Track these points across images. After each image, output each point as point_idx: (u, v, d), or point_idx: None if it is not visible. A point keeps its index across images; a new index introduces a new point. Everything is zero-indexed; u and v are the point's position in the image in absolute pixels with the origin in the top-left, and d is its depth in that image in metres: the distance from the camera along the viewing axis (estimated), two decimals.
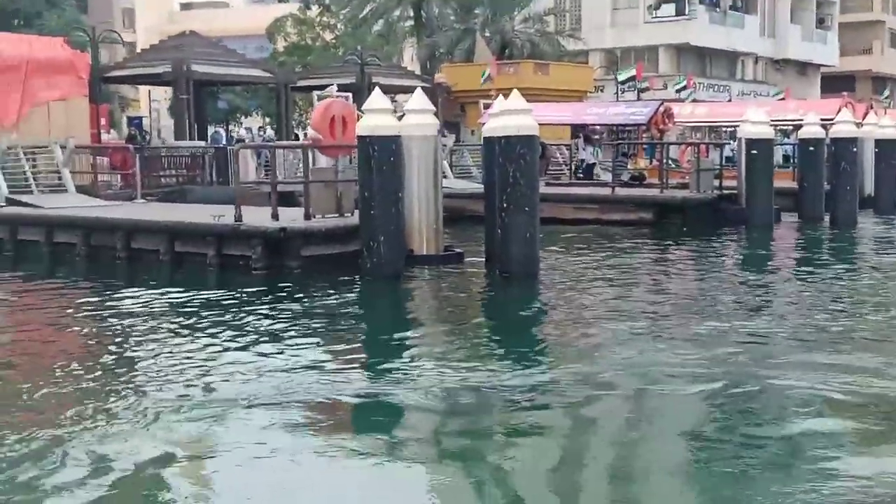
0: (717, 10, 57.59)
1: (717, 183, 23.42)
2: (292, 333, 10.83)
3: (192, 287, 14.21)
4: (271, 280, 14.63)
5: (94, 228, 17.49)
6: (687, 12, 55.21)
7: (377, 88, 16.31)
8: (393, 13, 50.37)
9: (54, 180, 22.34)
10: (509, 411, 7.74)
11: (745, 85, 59.41)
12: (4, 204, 19.65)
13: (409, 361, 9.48)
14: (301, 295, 13.34)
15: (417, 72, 44.55)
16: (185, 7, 73.38)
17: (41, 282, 15.66)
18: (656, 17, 55.74)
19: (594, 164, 29.39)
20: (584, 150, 29.71)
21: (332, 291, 13.56)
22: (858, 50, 70.73)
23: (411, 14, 50.46)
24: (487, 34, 48.26)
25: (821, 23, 66.99)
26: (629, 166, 28.71)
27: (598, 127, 31.76)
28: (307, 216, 15.97)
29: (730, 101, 48.82)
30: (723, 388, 8.20)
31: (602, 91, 50.37)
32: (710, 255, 18.45)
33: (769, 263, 17.71)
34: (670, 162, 27.39)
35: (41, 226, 18.19)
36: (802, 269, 16.94)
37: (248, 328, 11.11)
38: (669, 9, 55.38)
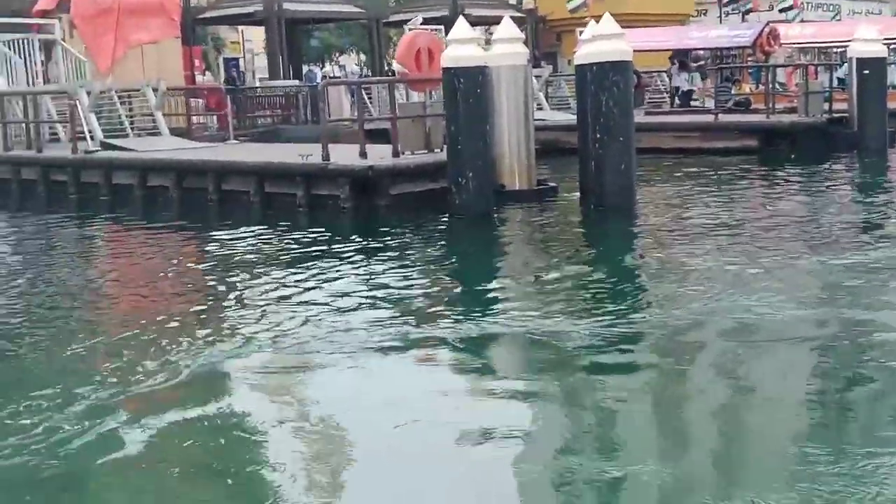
0: None
1: (826, 106, 22.28)
2: (378, 274, 10.50)
3: (280, 228, 14.06)
4: (359, 220, 14.38)
5: (185, 171, 17.43)
6: None
7: (461, 17, 15.72)
8: None
9: (149, 123, 22.45)
10: (600, 359, 7.22)
11: (854, 3, 56.66)
12: (99, 148, 19.75)
13: (498, 303, 9.07)
14: (388, 235, 13.04)
15: (512, 1, 43.53)
16: None
17: (135, 225, 15.70)
18: None
19: (691, 90, 28.23)
20: (678, 76, 28.54)
21: (419, 230, 13.23)
22: None
23: None
24: None
25: None
26: (733, 91, 27.52)
27: (701, 52, 30.53)
28: (395, 153, 15.60)
29: (839, 20, 46.60)
30: (835, 336, 7.55)
31: (705, 14, 48.55)
32: (821, 182, 17.49)
33: (884, 190, 16.71)
34: (777, 86, 26.20)
35: (134, 169, 18.21)
36: None
37: (334, 270, 10.80)
38: None
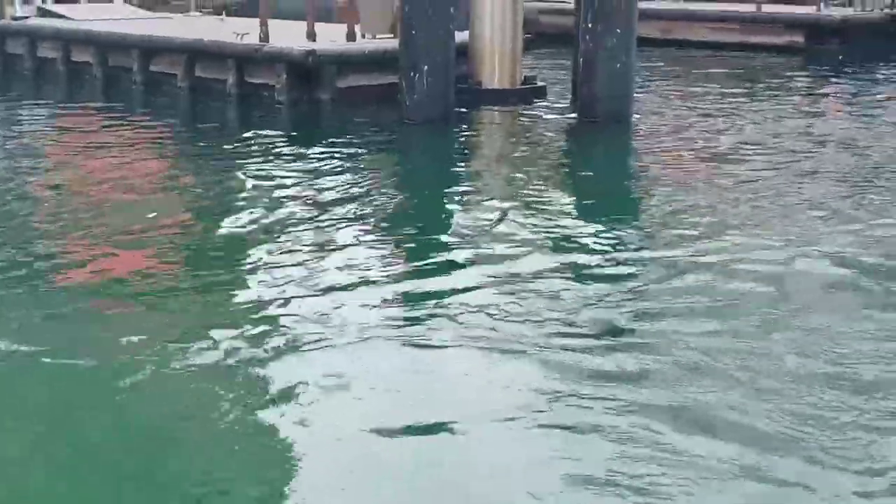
0: None
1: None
2: (294, 197, 8.00)
3: (203, 124, 11.50)
4: (294, 118, 11.80)
5: (108, 47, 14.66)
6: None
7: None
8: None
9: None
10: (569, 317, 5.31)
11: None
12: (31, 15, 17.00)
13: (438, 247, 6.60)
14: (319, 141, 10.26)
15: None
16: None
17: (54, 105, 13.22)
18: None
19: None
20: None
21: (358, 139, 10.44)
22: None
23: None
24: None
25: None
26: None
27: None
28: (351, 36, 12.75)
29: None
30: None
31: None
32: (875, 91, 14.35)
33: None
34: None
35: (58, 41, 15.47)
36: None
37: (240, 191, 8.19)
38: None
